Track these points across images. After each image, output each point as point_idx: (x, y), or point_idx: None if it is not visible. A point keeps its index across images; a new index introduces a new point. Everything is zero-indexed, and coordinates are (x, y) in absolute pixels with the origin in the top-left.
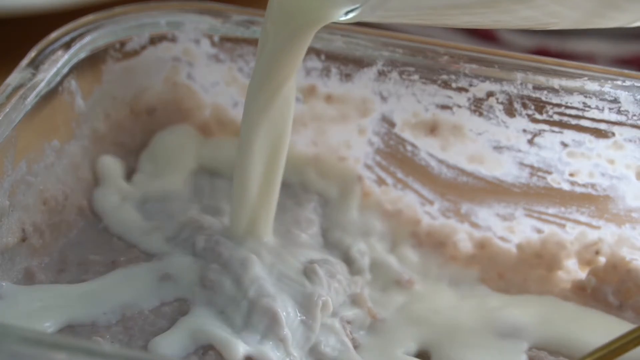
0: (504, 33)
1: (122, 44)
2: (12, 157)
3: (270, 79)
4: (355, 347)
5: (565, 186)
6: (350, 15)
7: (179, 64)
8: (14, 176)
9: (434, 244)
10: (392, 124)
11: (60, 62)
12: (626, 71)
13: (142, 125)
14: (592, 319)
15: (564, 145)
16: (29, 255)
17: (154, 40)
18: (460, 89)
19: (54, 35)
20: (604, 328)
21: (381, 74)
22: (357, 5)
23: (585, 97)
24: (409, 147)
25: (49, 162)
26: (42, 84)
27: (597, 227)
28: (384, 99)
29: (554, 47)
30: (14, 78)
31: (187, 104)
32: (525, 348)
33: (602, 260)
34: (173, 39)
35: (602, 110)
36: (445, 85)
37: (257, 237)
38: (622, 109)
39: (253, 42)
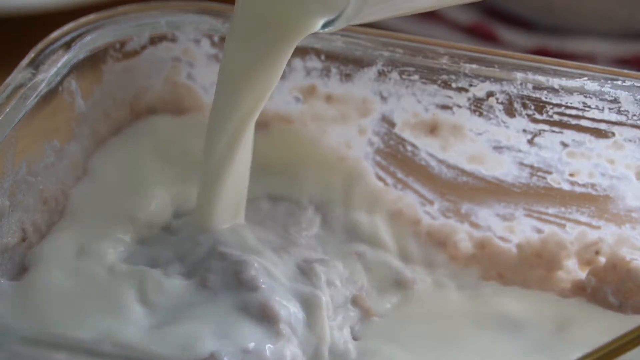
0: (504, 33)
1: (122, 44)
2: (12, 157)
3: (233, 113)
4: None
5: (565, 186)
6: (329, 28)
7: (179, 64)
8: (13, 176)
9: (434, 244)
10: (392, 124)
11: (60, 62)
12: (626, 71)
13: None
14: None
15: (564, 145)
16: (28, 254)
17: (154, 40)
18: (460, 89)
19: (54, 35)
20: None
21: (381, 74)
22: (333, 16)
23: (585, 97)
24: (409, 147)
25: (49, 162)
26: (42, 84)
27: (597, 227)
28: (384, 99)
29: (554, 47)
30: (13, 78)
31: (187, 103)
32: (527, 346)
33: (602, 260)
34: (173, 39)
35: (602, 110)
36: (445, 85)
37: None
38: (622, 109)
39: None
